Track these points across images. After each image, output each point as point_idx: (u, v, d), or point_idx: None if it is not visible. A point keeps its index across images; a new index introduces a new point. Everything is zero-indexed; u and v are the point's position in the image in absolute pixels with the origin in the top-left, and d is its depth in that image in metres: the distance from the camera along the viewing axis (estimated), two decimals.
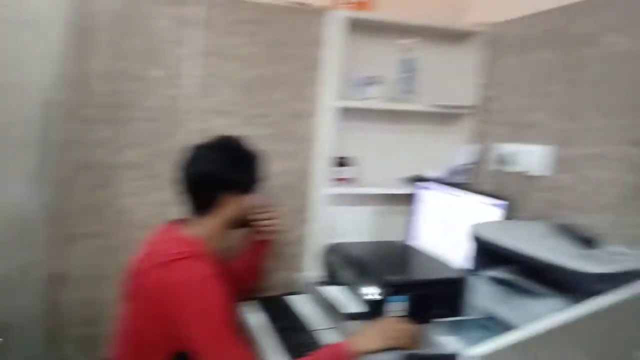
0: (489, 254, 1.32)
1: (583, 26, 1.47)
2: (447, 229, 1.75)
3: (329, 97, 1.80)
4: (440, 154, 2.01)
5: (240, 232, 1.58)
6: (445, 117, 1.98)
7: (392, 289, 1.42)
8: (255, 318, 1.63)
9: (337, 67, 1.76)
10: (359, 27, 1.81)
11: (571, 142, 1.50)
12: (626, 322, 1.05)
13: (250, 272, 1.67)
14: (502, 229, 1.37)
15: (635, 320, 1.06)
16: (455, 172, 1.90)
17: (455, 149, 1.95)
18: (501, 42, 1.81)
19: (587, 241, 1.22)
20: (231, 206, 1.39)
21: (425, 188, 1.90)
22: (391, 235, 1.99)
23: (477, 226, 1.38)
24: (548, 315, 0.98)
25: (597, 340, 1.03)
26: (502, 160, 1.74)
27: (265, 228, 1.62)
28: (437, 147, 2.03)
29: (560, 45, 1.55)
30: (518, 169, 1.68)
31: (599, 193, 1.40)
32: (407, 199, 1.95)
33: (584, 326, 0.99)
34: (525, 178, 1.65)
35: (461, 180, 1.87)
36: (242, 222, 1.48)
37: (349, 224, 1.95)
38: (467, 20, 1.94)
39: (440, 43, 1.96)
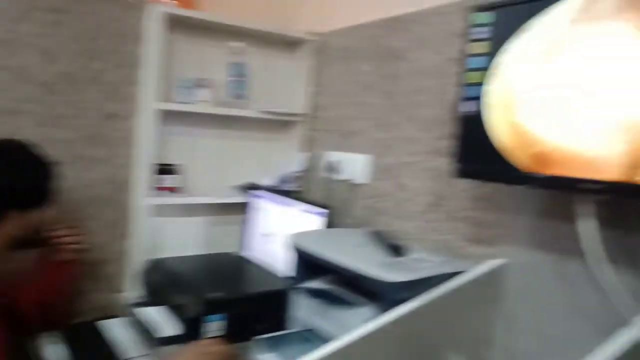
0: (308, 265, 1.30)
1: (396, 40, 1.53)
2: (276, 238, 1.70)
3: (149, 98, 1.64)
4: (272, 161, 1.97)
5: (30, 252, 1.34)
6: (277, 124, 1.95)
7: (210, 307, 1.32)
8: (54, 351, 1.40)
9: (157, 66, 1.61)
10: (184, 25, 1.69)
11: (388, 151, 1.55)
12: (431, 326, 1.09)
13: (51, 297, 1.44)
14: (319, 238, 1.36)
15: (439, 323, 1.11)
16: (286, 180, 1.87)
17: (287, 157, 1.93)
18: (327, 51, 1.84)
19: (396, 249, 1.25)
20: (13, 223, 1.16)
21: (258, 196, 1.84)
22: (224, 246, 1.89)
23: (296, 236, 1.35)
24: (360, 324, 0.98)
25: (407, 345, 1.06)
26: (330, 168, 1.76)
27: (66, 247, 1.40)
28: (270, 155, 1.98)
29: (378, 58, 1.60)
30: (344, 177, 1.70)
31: (412, 201, 1.47)
32: (240, 208, 1.87)
33: (392, 332, 1.00)
34: (350, 186, 1.68)
35: (292, 188, 1.84)
36: (32, 241, 1.26)
37: (176, 237, 1.81)
38: (298, 28, 1.94)
39: (272, 49, 1.92)
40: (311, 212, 1.57)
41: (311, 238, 1.34)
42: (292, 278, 1.36)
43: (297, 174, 1.87)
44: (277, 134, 1.98)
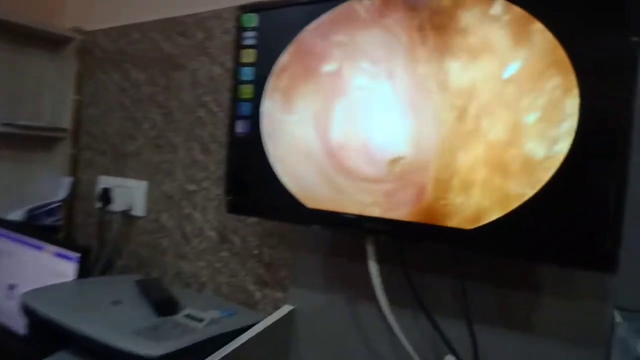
0: (50, 331, 0.96)
1: (174, 46, 1.29)
2: (14, 291, 1.30)
3: None
4: (25, 189, 1.53)
5: None
6: (32, 141, 1.53)
7: None
8: None
9: None
10: None
11: (169, 177, 1.29)
12: None
13: None
14: (63, 295, 1.03)
15: None
16: (42, 213, 1.46)
17: (45, 183, 1.52)
18: (96, 54, 1.50)
19: (166, 304, 0.99)
20: None
21: (1, 236, 1.39)
22: None
23: (30, 294, 1.00)
24: None
25: None
26: (102, 197, 1.42)
27: None
28: (21, 181, 1.55)
29: (153, 65, 1.34)
30: (118, 207, 1.38)
31: (198, 237, 1.23)
32: None
33: None
34: (126, 219, 1.37)
35: (50, 224, 1.45)
36: None
37: None
38: (61, 23, 1.56)
39: (26, 47, 1.50)
40: (66, 257, 1.22)
41: (51, 296, 1.00)
42: (28, 347, 1.00)
43: (57, 205, 1.48)
44: (31, 154, 1.56)
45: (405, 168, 0.72)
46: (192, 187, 1.25)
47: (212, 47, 1.21)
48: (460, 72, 0.68)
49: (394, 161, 0.72)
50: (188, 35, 1.26)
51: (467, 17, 0.68)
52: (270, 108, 0.82)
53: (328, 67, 0.79)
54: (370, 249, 0.79)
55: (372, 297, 0.84)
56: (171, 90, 1.30)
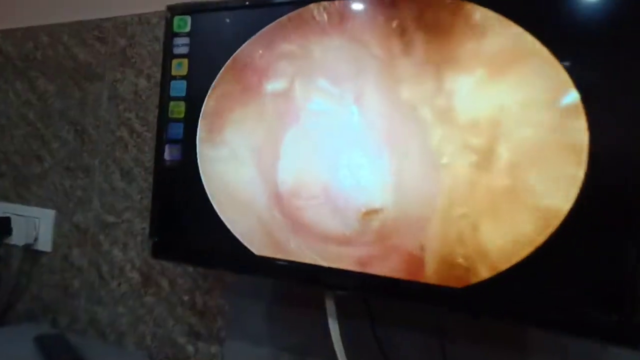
0: None
1: (91, 53, 1.11)
2: None
3: None
4: None
5: None
6: None
7: None
8: None
9: None
10: None
11: (84, 207, 1.10)
12: None
13: None
14: None
15: None
16: None
17: None
18: None
19: None
20: None
21: None
22: None
23: None
24: None
25: None
26: None
27: None
28: None
29: (66, 75, 1.14)
30: (18, 241, 1.16)
31: (117, 278, 1.04)
32: None
33: None
34: (28, 255, 1.15)
35: None
36: None
37: None
38: None
39: None
40: None
41: None
42: None
43: None
44: None
45: (387, 226, 0.55)
46: (110, 219, 1.06)
47: (137, 57, 1.04)
48: (474, 93, 0.51)
49: (368, 214, 0.56)
50: (107, 41, 1.08)
51: (485, 9, 0.51)
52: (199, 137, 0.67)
53: (273, 84, 0.63)
54: (330, 305, 0.65)
55: (329, 356, 0.71)
56: (87, 104, 1.11)
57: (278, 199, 0.61)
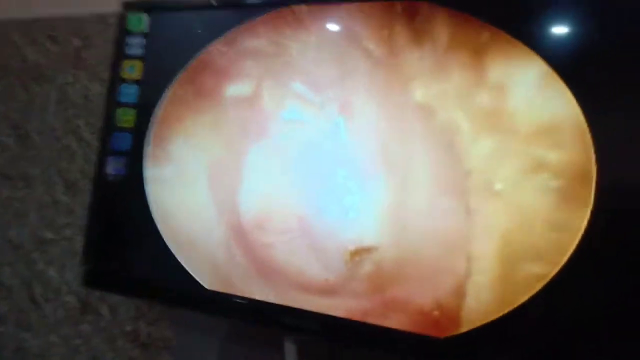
0: None
1: (41, 53, 1.01)
2: None
3: None
4: None
5: None
6: None
7: None
8: None
9: None
10: None
11: (20, 221, 0.99)
12: None
13: None
14: None
15: None
16: None
17: None
18: None
19: None
20: None
21: None
22: None
23: None
24: None
25: None
26: None
27: None
28: None
29: (11, 75, 1.04)
30: None
31: (51, 302, 0.94)
32: None
33: None
34: None
35: None
36: None
37: None
38: None
39: None
40: None
41: None
42: None
43: None
44: None
45: (383, 270, 0.42)
46: (49, 235, 0.95)
47: (92, 59, 0.95)
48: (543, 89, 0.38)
49: (357, 254, 0.43)
50: (59, 40, 0.99)
51: None
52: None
53: (235, 87, 0.52)
54: (290, 350, 0.57)
55: None
56: (32, 108, 1.00)
57: (239, 233, 0.49)
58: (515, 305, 0.42)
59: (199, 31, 0.58)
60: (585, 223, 0.41)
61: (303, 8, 0.50)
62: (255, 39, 0.52)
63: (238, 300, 0.53)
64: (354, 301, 0.43)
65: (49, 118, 0.98)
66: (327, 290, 0.45)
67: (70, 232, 0.93)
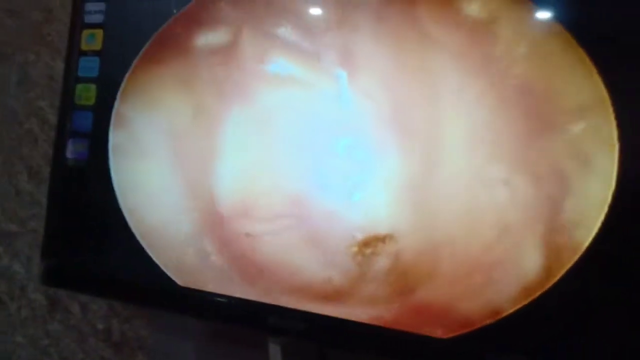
0: None
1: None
2: None
3: None
4: None
5: None
6: None
7: None
8: None
9: None
10: None
11: None
12: None
13: None
14: None
15: None
16: None
17: None
18: None
19: None
20: None
21: None
22: None
23: None
24: None
25: None
26: None
27: None
28: None
29: None
30: None
31: (19, 298, 0.88)
32: None
33: None
34: None
35: None
36: None
37: None
38: None
39: None
40: None
41: None
42: None
43: None
44: None
45: (404, 265, 0.32)
46: (12, 228, 0.89)
47: (55, 34, 0.88)
48: None
49: (367, 244, 0.34)
50: (19, 14, 0.91)
51: None
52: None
53: (209, 35, 0.43)
54: (274, 350, 0.52)
55: None
56: None
57: (215, 224, 0.40)
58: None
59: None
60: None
61: None
62: None
63: (217, 299, 0.48)
64: (368, 309, 0.34)
65: (8, 100, 0.91)
66: (332, 295, 0.35)
67: (35, 224, 0.87)
